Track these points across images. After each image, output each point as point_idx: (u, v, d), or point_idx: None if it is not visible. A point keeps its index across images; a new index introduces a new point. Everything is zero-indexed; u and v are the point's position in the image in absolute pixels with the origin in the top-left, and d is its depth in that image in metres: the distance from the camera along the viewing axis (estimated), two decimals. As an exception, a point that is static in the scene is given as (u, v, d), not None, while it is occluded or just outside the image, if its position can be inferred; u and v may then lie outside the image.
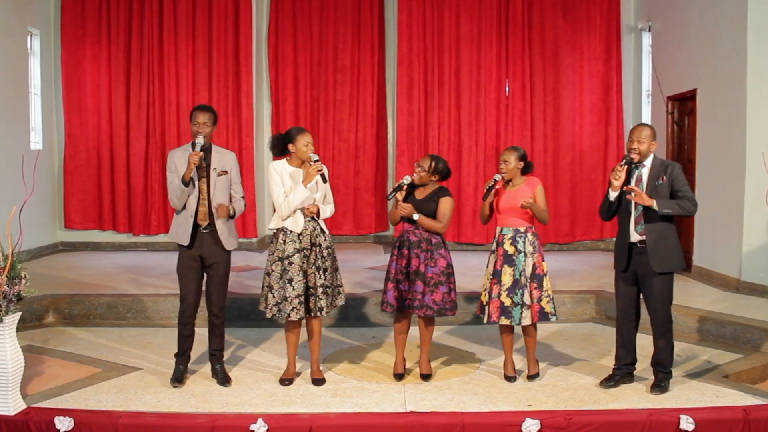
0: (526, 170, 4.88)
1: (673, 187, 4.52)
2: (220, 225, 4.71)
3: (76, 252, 9.52)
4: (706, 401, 4.46)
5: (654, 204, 4.44)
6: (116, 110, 9.60)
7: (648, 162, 4.59)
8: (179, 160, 4.66)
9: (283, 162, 4.76)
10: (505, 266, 4.76)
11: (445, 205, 4.82)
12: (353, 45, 10.02)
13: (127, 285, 7.15)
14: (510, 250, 4.77)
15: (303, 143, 4.68)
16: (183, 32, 9.53)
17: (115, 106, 9.60)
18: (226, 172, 4.72)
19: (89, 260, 8.78)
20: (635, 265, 4.60)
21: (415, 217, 4.76)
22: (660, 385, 4.58)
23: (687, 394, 4.57)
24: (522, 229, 4.79)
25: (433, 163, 4.84)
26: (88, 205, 9.71)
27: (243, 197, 4.87)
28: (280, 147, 4.75)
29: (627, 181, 4.61)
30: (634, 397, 4.51)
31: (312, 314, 4.72)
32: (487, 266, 4.90)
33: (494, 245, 4.88)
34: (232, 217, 4.74)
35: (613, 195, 4.61)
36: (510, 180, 4.85)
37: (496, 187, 4.83)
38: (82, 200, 9.69)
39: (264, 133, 10.14)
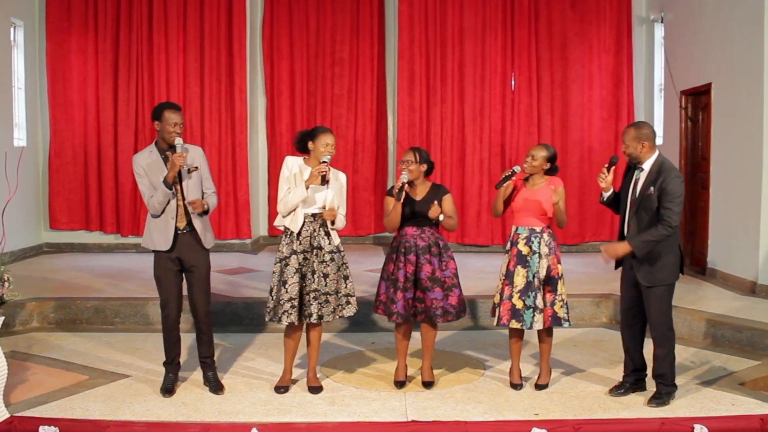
0: (551, 172, 4.86)
1: (659, 199, 4.40)
2: (197, 223, 4.69)
3: (61, 254, 9.53)
4: (722, 410, 4.46)
5: (629, 251, 4.46)
6: (104, 105, 9.61)
7: (647, 165, 4.52)
8: (147, 165, 4.63)
9: (299, 159, 4.77)
10: (518, 267, 4.76)
11: (450, 201, 4.89)
12: (352, 37, 10.03)
13: (115, 288, 7.15)
14: (524, 250, 4.76)
15: (322, 143, 4.68)
16: (173, 24, 9.53)
17: (103, 101, 9.61)
18: (197, 167, 4.71)
19: (75, 262, 8.78)
20: (632, 268, 4.59)
21: (441, 218, 4.78)
22: (658, 397, 4.53)
23: (701, 403, 4.57)
24: (538, 229, 4.78)
25: (418, 154, 4.85)
26: (75, 204, 9.72)
27: (215, 192, 4.85)
28: (303, 144, 4.77)
29: (628, 183, 4.62)
30: (646, 405, 4.51)
31: (306, 320, 4.71)
32: (501, 267, 4.90)
33: (508, 245, 4.87)
34: (206, 212, 4.73)
35: (604, 196, 4.64)
36: (530, 177, 4.84)
37: (513, 178, 4.81)
38: (68, 199, 9.69)
39: (258, 130, 10.14)
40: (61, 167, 9.65)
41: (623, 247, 4.48)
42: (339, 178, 4.80)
